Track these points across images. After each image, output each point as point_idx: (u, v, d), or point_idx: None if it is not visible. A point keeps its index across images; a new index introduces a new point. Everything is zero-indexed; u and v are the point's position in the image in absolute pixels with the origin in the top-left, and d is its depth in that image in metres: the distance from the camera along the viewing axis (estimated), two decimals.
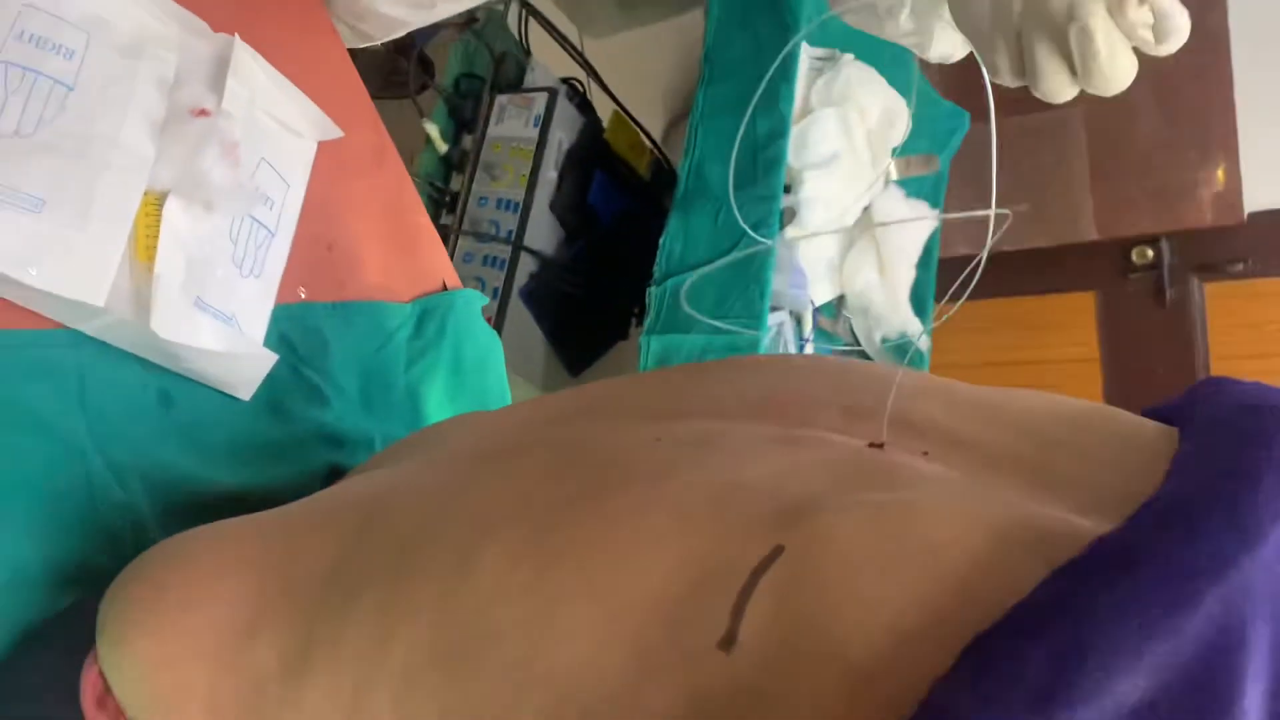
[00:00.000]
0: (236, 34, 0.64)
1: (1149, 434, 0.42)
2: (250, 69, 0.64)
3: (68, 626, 0.49)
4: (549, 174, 1.38)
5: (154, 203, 0.58)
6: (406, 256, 0.77)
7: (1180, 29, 0.50)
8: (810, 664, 0.31)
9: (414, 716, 0.37)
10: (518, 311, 1.29)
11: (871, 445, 0.40)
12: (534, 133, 1.38)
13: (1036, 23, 0.52)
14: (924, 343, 1.37)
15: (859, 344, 1.37)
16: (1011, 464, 0.41)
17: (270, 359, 0.63)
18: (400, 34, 0.80)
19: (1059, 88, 0.53)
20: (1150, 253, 2.56)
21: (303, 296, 0.69)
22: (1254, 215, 2.38)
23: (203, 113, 0.59)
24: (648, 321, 1.09)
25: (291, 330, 0.67)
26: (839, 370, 0.48)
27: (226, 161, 0.59)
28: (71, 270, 0.53)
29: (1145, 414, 0.48)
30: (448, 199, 1.38)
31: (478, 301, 0.82)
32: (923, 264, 1.38)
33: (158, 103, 0.58)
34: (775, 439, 0.42)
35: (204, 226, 0.60)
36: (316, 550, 0.43)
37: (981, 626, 0.29)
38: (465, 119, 1.42)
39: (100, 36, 0.57)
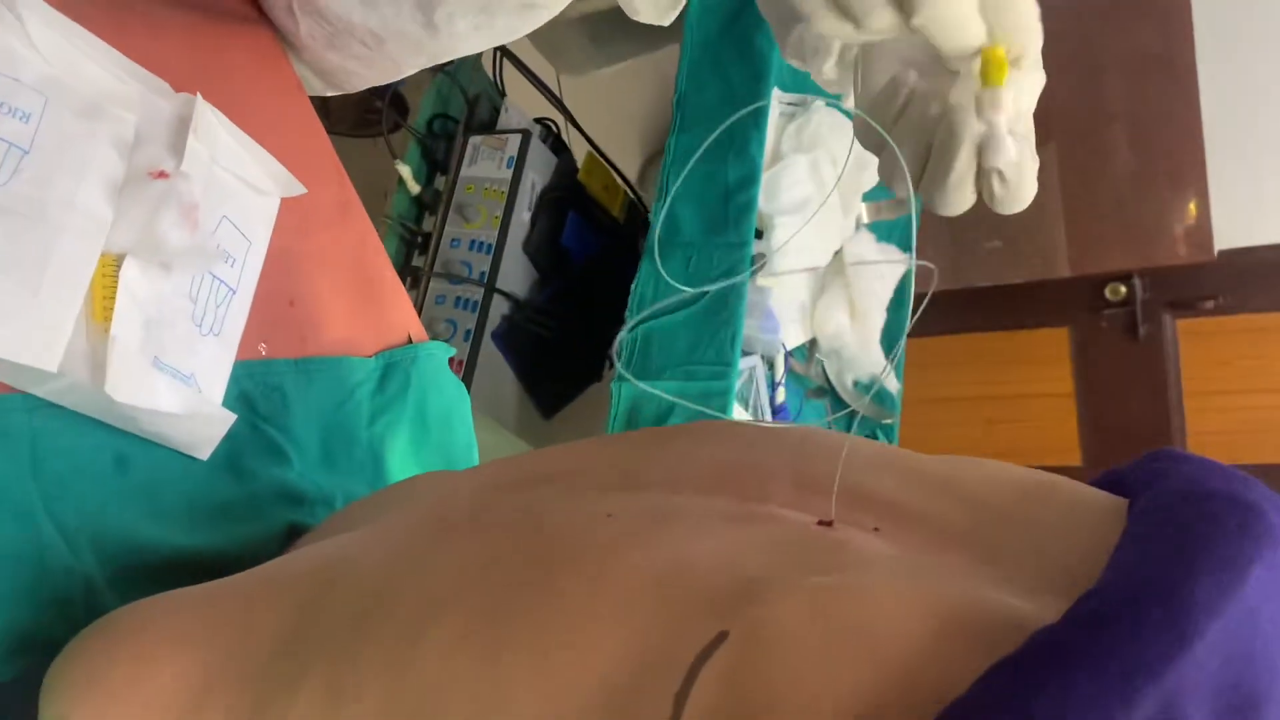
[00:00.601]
0: (199, 93, 0.64)
1: (1098, 507, 0.42)
2: (212, 127, 0.64)
3: (16, 697, 0.48)
4: (522, 215, 1.38)
5: (111, 264, 0.58)
6: (370, 310, 0.77)
7: (1019, 204, 0.51)
8: None
9: None
10: (490, 354, 1.29)
11: (821, 523, 0.40)
12: (507, 174, 1.38)
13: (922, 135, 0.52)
14: (893, 384, 1.38)
15: (831, 387, 1.38)
16: (960, 539, 0.41)
17: (229, 419, 0.63)
18: (368, 86, 0.80)
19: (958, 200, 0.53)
20: (1123, 289, 2.59)
21: (263, 353, 0.69)
22: (1224, 253, 2.41)
23: (161, 174, 0.59)
24: (618, 368, 1.09)
25: (252, 388, 0.67)
26: (796, 440, 0.48)
27: (186, 223, 0.59)
28: (22, 335, 0.53)
29: (1100, 479, 0.48)
30: (420, 240, 1.38)
31: (444, 353, 0.81)
32: (894, 306, 1.38)
33: (116, 165, 0.58)
34: (726, 516, 0.41)
35: (162, 286, 0.60)
36: (266, 623, 0.43)
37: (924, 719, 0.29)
38: (438, 160, 1.42)
39: (58, 99, 0.57)
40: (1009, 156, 0.49)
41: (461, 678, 0.36)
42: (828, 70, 0.56)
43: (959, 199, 0.51)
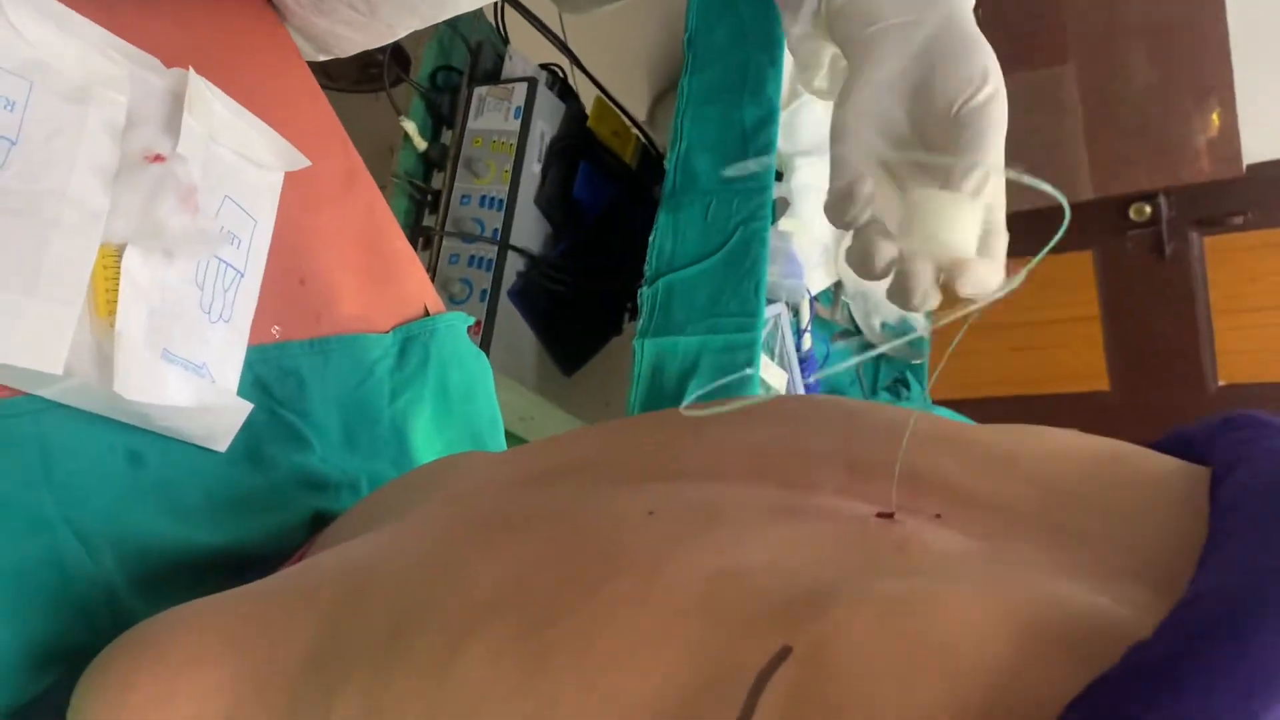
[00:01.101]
0: (191, 68, 0.60)
1: (1173, 480, 0.39)
2: (208, 103, 0.61)
3: (48, 711, 0.47)
4: (532, 168, 1.34)
5: (112, 255, 0.55)
6: (384, 283, 0.74)
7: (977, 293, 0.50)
8: None
9: None
10: (507, 313, 1.26)
11: (880, 515, 0.38)
12: (515, 125, 1.34)
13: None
14: (922, 324, 1.34)
15: (858, 329, 1.34)
16: (1028, 523, 0.38)
17: (245, 409, 0.60)
18: (361, 50, 0.77)
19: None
20: (1148, 209, 2.53)
21: (277, 335, 0.66)
22: (1253, 166, 2.35)
23: (157, 158, 0.56)
24: (640, 324, 1.06)
25: (267, 373, 0.65)
26: (843, 419, 0.46)
27: (186, 208, 0.56)
28: (23, 338, 0.50)
29: (1167, 441, 0.46)
30: (429, 198, 1.35)
31: (462, 324, 0.79)
32: None
33: (109, 150, 0.55)
34: (776, 509, 0.39)
35: (167, 275, 0.57)
36: (294, 636, 0.41)
37: None
38: (443, 114, 1.38)
39: (44, 84, 0.54)
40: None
41: (503, 695, 0.34)
42: (818, 82, 0.55)
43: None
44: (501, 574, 0.38)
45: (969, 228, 0.48)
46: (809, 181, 1.13)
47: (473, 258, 1.28)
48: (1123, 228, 2.58)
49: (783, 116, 1.13)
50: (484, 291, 1.26)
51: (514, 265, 1.29)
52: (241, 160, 0.64)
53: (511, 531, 0.41)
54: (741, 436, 0.45)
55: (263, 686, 0.40)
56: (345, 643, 0.39)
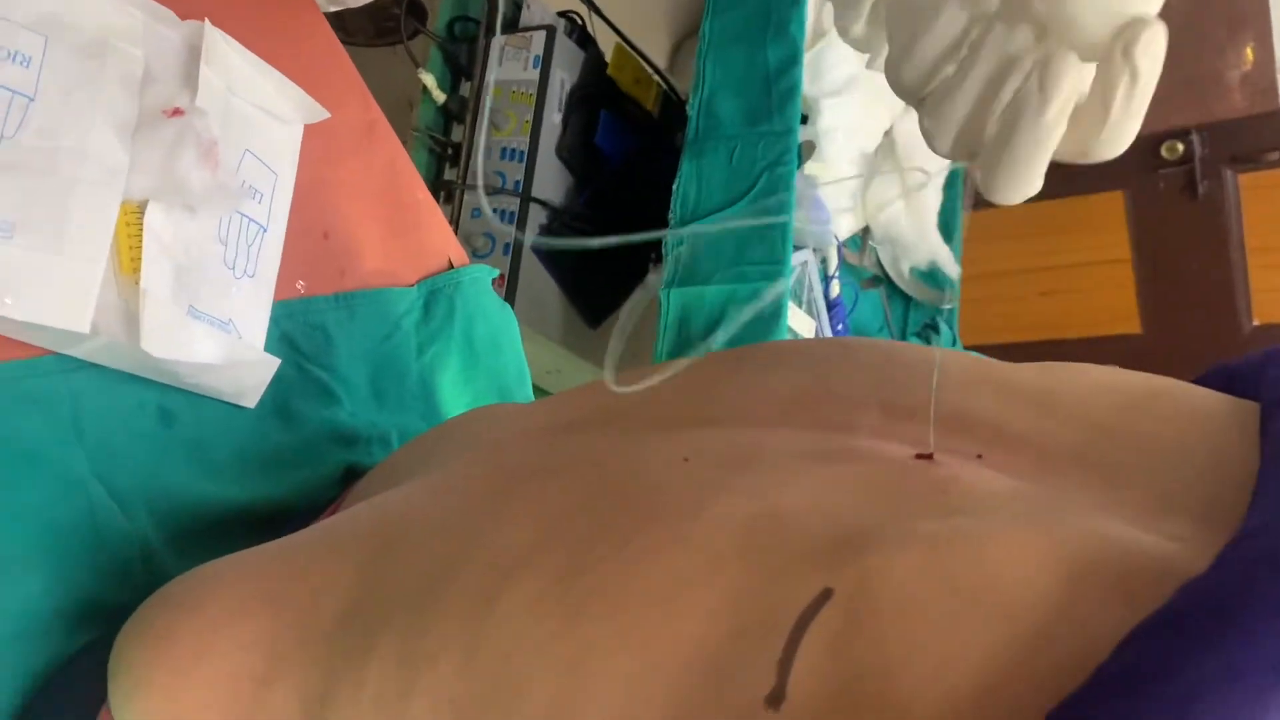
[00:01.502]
0: (206, 19, 0.59)
1: (1218, 414, 0.38)
2: (224, 55, 0.60)
3: (84, 673, 0.47)
4: (553, 118, 1.32)
5: (134, 212, 0.54)
6: (407, 236, 0.73)
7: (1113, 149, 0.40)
8: None
9: None
10: (531, 266, 1.25)
11: (919, 456, 0.37)
12: (534, 74, 1.32)
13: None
14: (952, 268, 1.32)
15: (886, 275, 1.33)
16: (1069, 461, 0.38)
17: (273, 364, 0.60)
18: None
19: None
20: (1180, 146, 2.47)
21: (301, 290, 0.66)
22: None
23: (176, 112, 0.55)
24: (665, 274, 1.05)
25: (293, 328, 0.64)
26: (877, 360, 0.45)
27: (206, 162, 0.55)
28: (51, 296, 0.50)
29: (1210, 376, 0.44)
30: (450, 152, 1.33)
31: (486, 275, 0.78)
32: (949, 185, 1.32)
33: (127, 105, 0.54)
34: (813, 454, 0.38)
35: (189, 231, 0.57)
36: (329, 589, 0.41)
37: (1062, 689, 0.26)
38: (461, 65, 1.36)
39: (59, 38, 0.53)
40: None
41: (540, 643, 0.34)
42: (856, 29, 0.47)
43: (1034, 176, 0.42)
44: (536, 522, 0.37)
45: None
46: (835, 124, 1.11)
47: (495, 210, 1.27)
48: (1154, 166, 2.52)
49: (807, 57, 1.11)
50: (507, 245, 1.25)
51: (536, 218, 1.28)
52: (260, 113, 0.63)
53: (545, 480, 0.40)
54: (775, 380, 0.45)
55: (301, 638, 0.40)
56: (382, 594, 0.39)
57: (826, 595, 0.30)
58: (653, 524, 0.34)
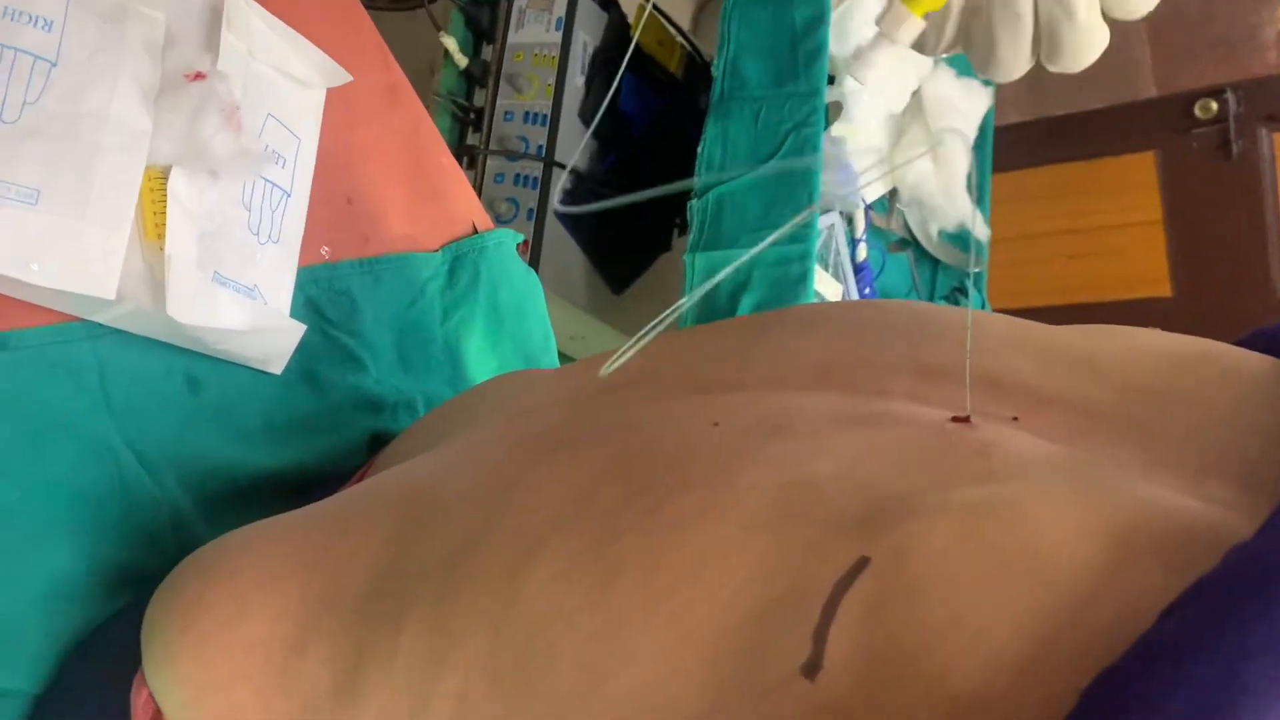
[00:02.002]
0: None
1: (1264, 376, 0.38)
2: (246, 18, 0.59)
3: (118, 637, 0.47)
4: (576, 81, 1.31)
5: (158, 178, 0.54)
6: (431, 201, 0.73)
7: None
8: (907, 696, 0.27)
9: None
10: (555, 232, 1.24)
11: (955, 419, 0.36)
12: (557, 37, 1.31)
13: None
14: (982, 231, 1.30)
15: (914, 238, 1.31)
16: (1111, 424, 0.37)
17: (299, 330, 0.60)
18: None
19: (1014, 63, 0.45)
20: (1214, 105, 2.43)
21: (326, 256, 0.65)
22: None
23: (198, 76, 0.54)
24: (690, 238, 1.04)
25: (318, 294, 0.64)
26: (910, 322, 0.44)
27: (229, 127, 0.55)
28: (77, 262, 0.50)
29: (1250, 339, 0.43)
30: (472, 116, 1.32)
31: (511, 240, 0.77)
32: (977, 146, 1.30)
33: (149, 69, 0.54)
34: (846, 418, 0.37)
35: (213, 196, 0.57)
36: (359, 555, 0.41)
37: (1104, 659, 0.25)
38: (483, 28, 1.35)
39: (80, 2, 0.52)
40: None
41: (570, 614, 0.34)
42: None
43: (1020, 53, 0.44)
44: (563, 491, 0.37)
45: None
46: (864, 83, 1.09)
47: (518, 176, 1.26)
48: (1187, 126, 2.47)
49: (834, 15, 1.09)
50: (531, 210, 1.24)
51: (560, 183, 1.27)
52: (282, 77, 0.62)
53: (572, 448, 0.40)
54: (806, 344, 0.44)
55: (332, 607, 0.40)
56: (411, 563, 0.39)
57: (863, 564, 0.30)
58: (683, 492, 0.34)
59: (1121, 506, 0.29)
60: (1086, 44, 0.44)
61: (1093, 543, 0.28)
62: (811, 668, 0.29)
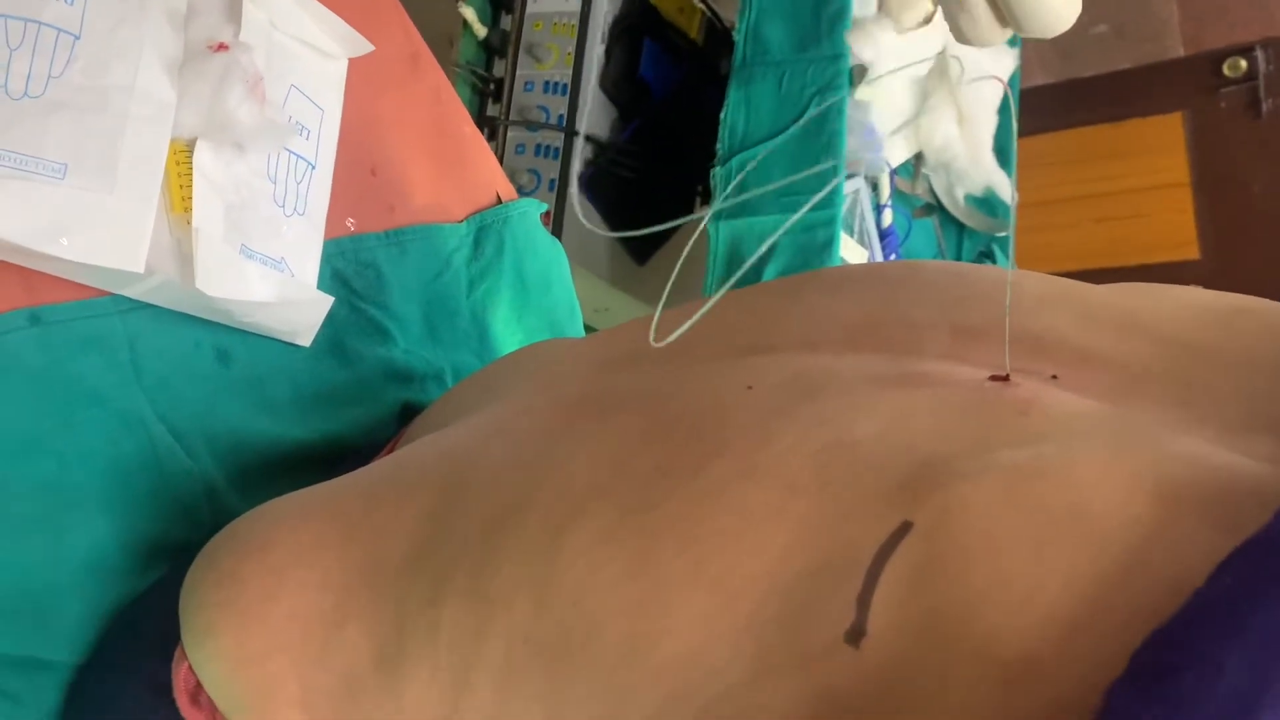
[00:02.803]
0: None
1: None
2: None
3: (155, 610, 0.48)
4: (595, 49, 1.30)
5: (183, 150, 0.54)
6: (455, 170, 0.72)
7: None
8: (954, 660, 0.27)
9: (519, 713, 0.34)
10: (577, 202, 1.24)
11: (994, 378, 0.36)
12: (576, 5, 1.30)
13: None
14: (1007, 193, 1.28)
15: (939, 203, 1.29)
16: (1153, 380, 0.36)
17: (327, 302, 0.60)
18: None
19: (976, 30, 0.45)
20: (1243, 63, 2.38)
21: (351, 228, 0.65)
22: None
23: (221, 47, 0.54)
24: (714, 204, 1.03)
25: (345, 266, 0.64)
26: (946, 281, 0.43)
27: (253, 98, 0.54)
28: (106, 236, 0.50)
29: None
30: (492, 87, 1.32)
31: (536, 210, 0.77)
32: (1003, 109, 1.28)
33: (172, 40, 0.53)
34: (883, 378, 0.37)
35: (239, 169, 0.57)
36: (398, 527, 0.41)
37: (1155, 618, 0.25)
38: None
39: None
40: None
41: (610, 582, 0.33)
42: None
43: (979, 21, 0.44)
44: (600, 458, 0.37)
45: None
46: (886, 47, 1.08)
47: (539, 146, 1.26)
48: (1215, 86, 2.43)
49: None
50: (552, 181, 1.24)
51: (581, 153, 1.26)
52: (304, 47, 0.62)
53: (606, 414, 0.39)
54: (839, 305, 0.43)
55: (370, 579, 0.40)
56: (449, 533, 0.39)
57: (906, 528, 0.29)
58: (718, 457, 0.33)
59: (1167, 464, 0.29)
60: (1040, 5, 0.44)
61: (1140, 501, 0.27)
62: (855, 634, 0.29)
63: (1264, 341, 0.37)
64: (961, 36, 0.47)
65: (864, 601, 0.29)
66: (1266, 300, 0.41)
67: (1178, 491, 0.27)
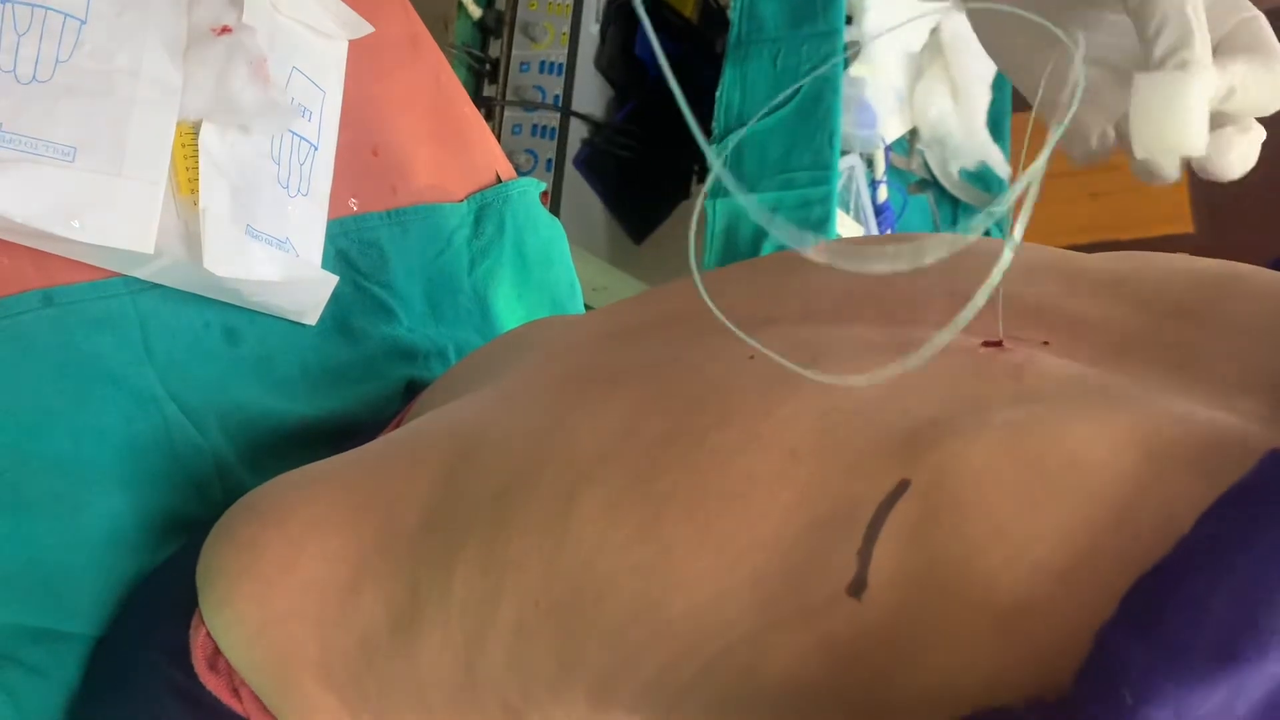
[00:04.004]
0: None
1: None
2: None
3: (171, 581, 0.49)
4: (590, 29, 1.30)
5: (189, 133, 0.55)
6: (455, 150, 0.73)
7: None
8: (953, 609, 0.28)
9: (531, 674, 0.35)
10: (574, 182, 1.24)
11: (987, 344, 0.37)
12: None
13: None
14: (1004, 170, 1.29)
15: (934, 178, 1.30)
16: (1142, 345, 0.37)
17: (331, 280, 0.61)
18: None
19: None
20: None
21: (354, 208, 0.66)
22: None
23: (225, 30, 0.55)
24: (710, 185, 1.04)
25: (349, 246, 0.65)
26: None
27: (257, 79, 0.55)
28: (115, 218, 0.51)
29: (1275, 264, 0.44)
30: (488, 68, 1.32)
31: (535, 189, 0.78)
32: (997, 84, 1.28)
33: (176, 24, 0.54)
34: (881, 345, 0.38)
35: (243, 150, 0.57)
36: (410, 497, 0.42)
37: (1144, 563, 0.26)
38: None
39: None
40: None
41: (620, 546, 0.34)
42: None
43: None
44: (607, 428, 0.38)
45: (1187, 116, 0.36)
46: (882, 23, 1.08)
47: (535, 127, 1.26)
48: None
49: None
50: (549, 161, 1.24)
51: (578, 133, 1.26)
52: (305, 29, 0.63)
53: (613, 385, 0.40)
54: (835, 277, 0.44)
55: (385, 547, 0.41)
56: (460, 501, 0.40)
57: (904, 486, 0.31)
58: (722, 425, 0.34)
59: (1156, 420, 0.30)
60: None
61: (1130, 455, 0.28)
62: (857, 586, 0.30)
63: (1254, 305, 0.38)
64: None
65: (865, 555, 0.30)
66: (1254, 266, 0.42)
67: (1167, 447, 0.28)
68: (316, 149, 0.63)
